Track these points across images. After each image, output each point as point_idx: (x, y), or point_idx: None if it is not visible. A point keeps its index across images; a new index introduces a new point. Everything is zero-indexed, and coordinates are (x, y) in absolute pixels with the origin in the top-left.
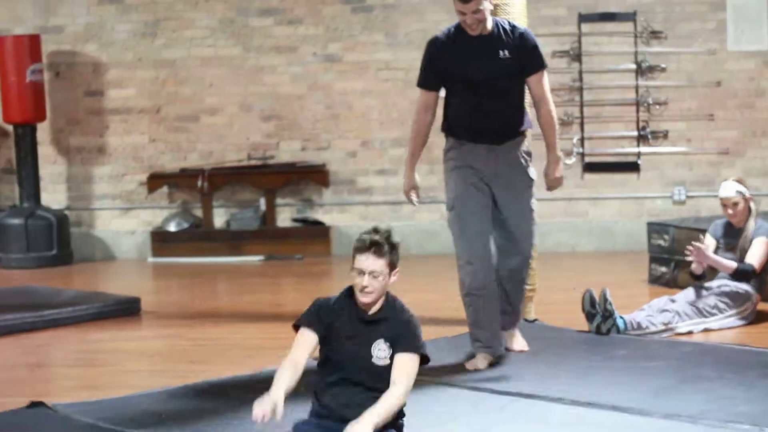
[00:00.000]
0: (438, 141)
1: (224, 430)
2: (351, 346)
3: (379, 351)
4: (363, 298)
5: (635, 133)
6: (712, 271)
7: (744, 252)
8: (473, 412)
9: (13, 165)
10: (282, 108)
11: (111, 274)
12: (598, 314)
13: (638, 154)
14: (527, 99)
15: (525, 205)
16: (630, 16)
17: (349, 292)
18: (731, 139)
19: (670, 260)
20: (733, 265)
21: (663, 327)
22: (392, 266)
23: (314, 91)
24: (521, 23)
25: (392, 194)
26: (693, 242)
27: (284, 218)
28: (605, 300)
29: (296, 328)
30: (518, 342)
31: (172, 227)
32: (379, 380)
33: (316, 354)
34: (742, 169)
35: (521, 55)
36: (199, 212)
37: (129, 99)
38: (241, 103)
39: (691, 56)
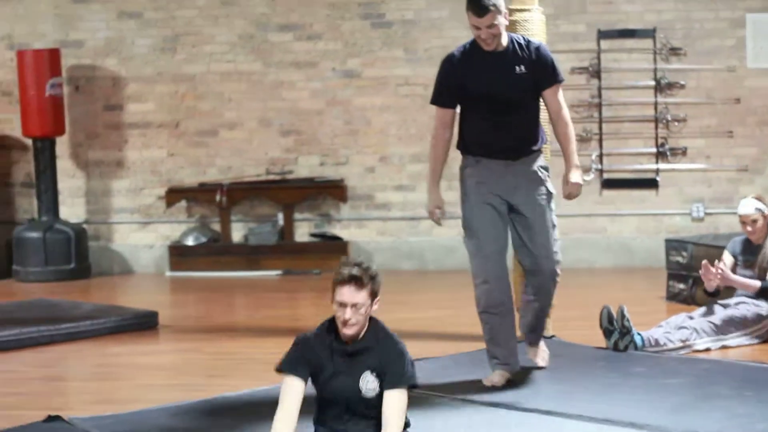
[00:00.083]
0: (456, 156)
1: None
2: (338, 383)
3: (368, 383)
4: (347, 331)
5: (654, 150)
6: (728, 288)
7: (762, 269)
8: (490, 428)
9: (32, 179)
10: (301, 123)
11: (129, 287)
12: (616, 331)
13: (657, 171)
14: (543, 115)
15: (546, 219)
16: (649, 33)
17: (330, 324)
18: (750, 156)
19: (689, 277)
20: (758, 284)
21: (681, 344)
22: (374, 295)
23: (333, 107)
24: (540, 39)
25: (410, 210)
26: (716, 264)
27: (302, 233)
28: (623, 317)
29: (279, 371)
30: (542, 356)
31: (190, 241)
32: (372, 407)
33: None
34: (761, 186)
35: (537, 70)
36: (217, 226)
37: (148, 113)
38: (260, 118)
39: (710, 73)
